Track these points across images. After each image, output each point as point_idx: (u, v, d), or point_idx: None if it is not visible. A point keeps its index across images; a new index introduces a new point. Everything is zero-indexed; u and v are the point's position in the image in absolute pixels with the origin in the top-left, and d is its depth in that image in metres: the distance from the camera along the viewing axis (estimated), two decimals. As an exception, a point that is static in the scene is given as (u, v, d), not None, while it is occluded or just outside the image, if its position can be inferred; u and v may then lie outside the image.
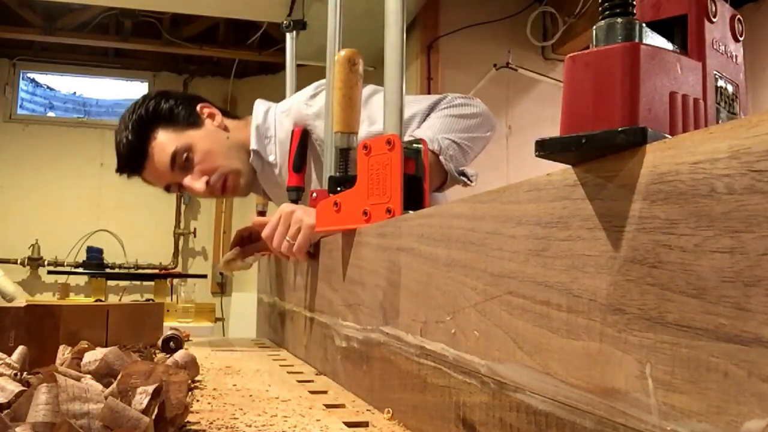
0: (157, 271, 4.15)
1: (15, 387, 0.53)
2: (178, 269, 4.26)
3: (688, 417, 0.28)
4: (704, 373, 0.27)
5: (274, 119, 1.31)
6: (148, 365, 0.56)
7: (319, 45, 1.37)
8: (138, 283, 4.12)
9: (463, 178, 1.12)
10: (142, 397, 0.47)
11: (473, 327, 0.46)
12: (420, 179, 0.73)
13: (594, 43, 0.36)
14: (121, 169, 1.32)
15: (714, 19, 0.41)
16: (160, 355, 0.95)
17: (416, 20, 2.92)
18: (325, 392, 0.76)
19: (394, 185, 0.69)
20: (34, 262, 4.06)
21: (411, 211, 0.63)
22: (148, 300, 3.48)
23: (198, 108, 1.31)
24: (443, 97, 1.21)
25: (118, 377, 0.54)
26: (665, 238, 0.30)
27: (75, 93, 4.59)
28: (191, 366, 0.79)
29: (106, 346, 0.72)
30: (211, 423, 0.57)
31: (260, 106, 1.36)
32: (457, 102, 1.18)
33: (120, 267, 4.15)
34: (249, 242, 1.35)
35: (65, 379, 0.47)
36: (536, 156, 0.37)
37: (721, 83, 0.41)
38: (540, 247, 0.39)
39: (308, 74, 1.77)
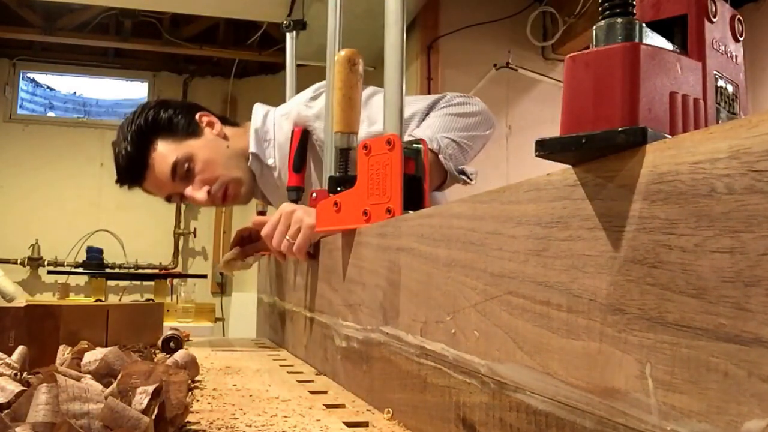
0: (157, 271, 4.15)
1: (15, 387, 0.53)
2: (178, 269, 4.26)
3: (688, 417, 0.28)
4: (704, 373, 0.27)
5: (273, 122, 1.31)
6: (148, 365, 0.56)
7: (319, 45, 1.37)
8: (138, 283, 4.12)
9: (463, 177, 1.12)
10: (142, 397, 0.47)
11: (473, 327, 0.46)
12: (420, 179, 0.73)
13: (594, 43, 0.36)
14: (121, 181, 1.32)
15: (714, 19, 0.41)
16: (160, 355, 0.95)
17: (416, 20, 2.92)
18: (325, 392, 0.76)
19: (394, 185, 0.69)
20: (34, 262, 4.06)
21: (411, 211, 0.63)
22: (148, 300, 3.48)
23: (197, 117, 1.31)
24: (442, 96, 1.21)
25: (118, 377, 0.54)
26: (665, 238, 0.30)
27: (75, 93, 4.59)
28: (191, 366, 0.79)
29: (106, 346, 0.72)
30: (211, 423, 0.57)
31: (259, 109, 1.36)
32: (456, 101, 1.18)
33: (120, 267, 4.15)
34: (249, 242, 1.35)
35: (65, 379, 0.47)
36: (536, 156, 0.37)
37: (721, 83, 0.41)
38: (540, 247, 0.39)
39: (308, 74, 1.77)
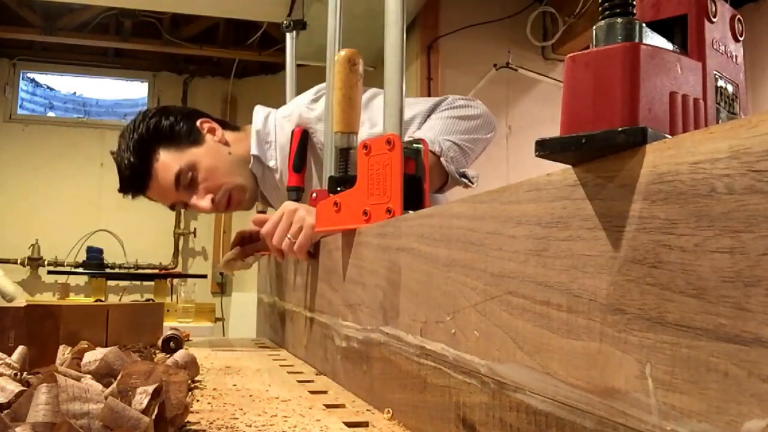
0: (157, 271, 4.15)
1: (15, 387, 0.53)
2: (178, 269, 4.26)
3: (688, 417, 0.28)
4: (704, 373, 0.27)
5: (275, 124, 1.31)
6: (148, 365, 0.56)
7: (319, 45, 1.37)
8: (138, 283, 4.12)
9: (464, 180, 1.12)
10: (142, 397, 0.47)
11: (473, 327, 0.46)
12: (420, 179, 0.73)
13: (594, 43, 0.36)
14: (124, 190, 1.31)
15: (714, 19, 0.41)
16: (160, 355, 0.95)
17: (416, 20, 2.92)
18: (325, 392, 0.76)
19: (394, 185, 0.69)
20: (34, 262, 4.06)
21: (411, 211, 0.63)
22: (148, 300, 3.48)
23: (198, 123, 1.31)
24: (444, 98, 1.21)
25: (118, 377, 0.54)
26: (665, 238, 0.30)
27: (75, 93, 4.59)
28: (191, 366, 0.79)
29: (106, 346, 0.72)
30: (211, 423, 0.57)
31: (260, 111, 1.36)
32: (458, 103, 1.18)
33: (120, 267, 4.15)
34: (249, 242, 1.35)
35: (65, 379, 0.47)
36: (536, 156, 0.37)
37: (721, 83, 0.41)
38: (540, 247, 0.39)
39: (308, 74, 1.77)
